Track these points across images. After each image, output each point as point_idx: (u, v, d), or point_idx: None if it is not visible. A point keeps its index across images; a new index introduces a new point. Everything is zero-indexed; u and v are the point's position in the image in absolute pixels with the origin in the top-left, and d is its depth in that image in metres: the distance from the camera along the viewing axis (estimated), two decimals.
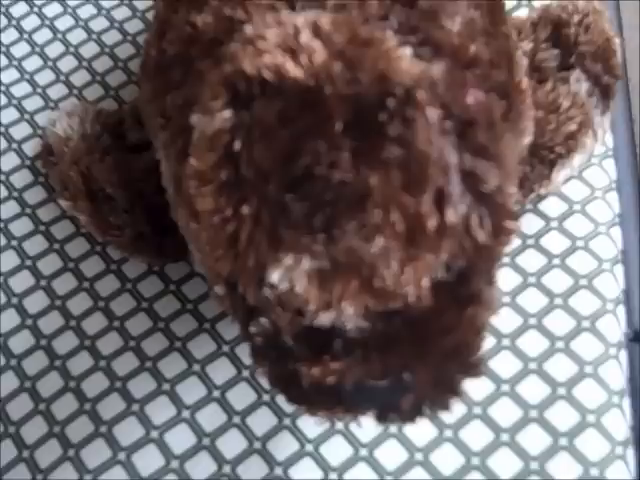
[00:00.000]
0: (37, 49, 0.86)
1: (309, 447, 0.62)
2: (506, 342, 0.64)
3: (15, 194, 0.77)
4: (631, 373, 0.65)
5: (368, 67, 0.40)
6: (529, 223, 0.69)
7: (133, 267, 0.71)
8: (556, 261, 0.67)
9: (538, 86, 0.68)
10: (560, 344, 0.64)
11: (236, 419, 0.64)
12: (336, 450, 0.62)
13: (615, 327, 0.65)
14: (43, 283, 0.72)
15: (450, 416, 0.59)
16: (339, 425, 0.62)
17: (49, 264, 0.73)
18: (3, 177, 0.78)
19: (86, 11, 0.87)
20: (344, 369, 0.45)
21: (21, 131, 0.80)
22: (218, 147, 0.42)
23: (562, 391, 0.62)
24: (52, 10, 0.88)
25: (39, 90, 0.83)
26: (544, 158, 0.67)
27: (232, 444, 0.63)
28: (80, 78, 0.83)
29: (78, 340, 0.68)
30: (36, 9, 0.88)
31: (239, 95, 0.41)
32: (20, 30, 0.87)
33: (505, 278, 0.66)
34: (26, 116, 0.81)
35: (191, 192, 0.44)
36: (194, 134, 0.44)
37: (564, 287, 0.66)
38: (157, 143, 0.59)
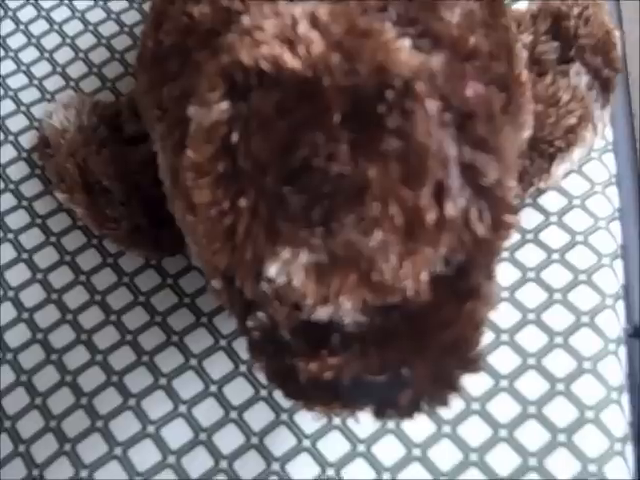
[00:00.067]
0: (33, 40, 0.85)
1: (306, 442, 0.62)
2: (505, 337, 0.64)
3: (11, 186, 0.76)
4: (630, 369, 0.65)
5: (366, 58, 0.40)
6: (528, 217, 0.69)
7: (130, 261, 0.71)
8: (555, 256, 0.67)
9: (538, 79, 0.67)
10: (559, 339, 0.64)
11: (233, 414, 0.63)
12: (333, 446, 0.62)
13: (614, 322, 0.65)
14: (39, 276, 0.71)
15: (448, 412, 0.59)
16: (336, 421, 0.62)
17: (45, 257, 0.72)
18: (0, 170, 0.77)
19: (82, 2, 0.87)
20: (342, 364, 0.44)
21: (17, 123, 0.80)
22: (215, 139, 0.42)
23: (561, 387, 0.62)
24: (48, 1, 0.88)
25: (35, 82, 0.83)
26: (544, 152, 0.67)
27: (229, 439, 0.63)
28: (77, 70, 0.83)
29: (74, 334, 0.68)
30: (32, 0, 0.88)
31: (236, 86, 0.41)
32: (16, 21, 0.87)
33: (504, 273, 0.66)
34: (22, 108, 0.81)
35: (188, 184, 0.44)
36: (191, 126, 0.44)
37: (563, 282, 0.66)
38: (154, 135, 0.59)
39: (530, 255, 0.68)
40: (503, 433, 0.61)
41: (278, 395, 0.61)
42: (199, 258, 0.52)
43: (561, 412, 0.61)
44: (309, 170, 0.40)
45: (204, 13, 0.53)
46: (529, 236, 0.68)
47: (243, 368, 0.65)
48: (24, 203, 0.75)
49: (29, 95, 0.82)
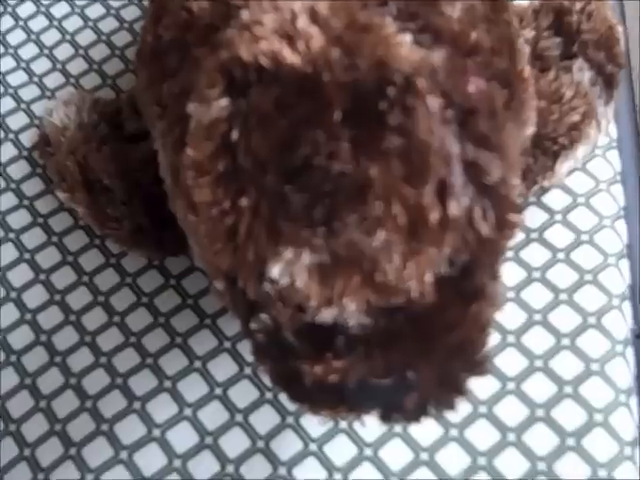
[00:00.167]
0: (33, 37, 0.85)
1: (313, 446, 0.61)
2: (511, 339, 0.63)
3: (13, 186, 0.76)
4: (638, 371, 0.64)
5: (367, 53, 0.39)
6: (533, 216, 0.68)
7: (133, 261, 0.71)
8: (560, 255, 0.67)
9: (540, 75, 0.67)
10: (566, 341, 0.63)
11: (239, 417, 0.63)
12: (340, 450, 0.61)
13: (621, 323, 0.64)
14: (42, 277, 0.71)
15: (455, 415, 0.58)
16: (343, 424, 0.62)
17: (48, 257, 0.72)
18: (0, 168, 0.77)
19: None
20: (347, 367, 0.44)
21: (18, 121, 0.80)
22: (215, 136, 0.41)
23: (568, 389, 0.61)
24: None
25: (35, 79, 0.82)
26: (547, 149, 0.66)
27: (235, 443, 0.62)
28: (77, 66, 0.82)
29: (78, 336, 0.68)
30: None
31: (235, 82, 0.41)
32: (16, 17, 0.87)
33: (509, 273, 0.65)
34: (22, 106, 0.81)
35: (188, 183, 0.43)
36: (191, 123, 0.44)
37: (569, 282, 0.65)
38: (154, 132, 0.59)
39: (535, 254, 0.67)
40: (511, 437, 0.60)
41: (284, 398, 0.61)
42: (201, 259, 0.52)
43: (569, 415, 0.60)
44: (310, 168, 0.39)
45: (203, 8, 0.53)
46: (534, 235, 0.68)
47: (248, 370, 0.65)
48: (25, 202, 0.75)
49: (29, 92, 0.81)
